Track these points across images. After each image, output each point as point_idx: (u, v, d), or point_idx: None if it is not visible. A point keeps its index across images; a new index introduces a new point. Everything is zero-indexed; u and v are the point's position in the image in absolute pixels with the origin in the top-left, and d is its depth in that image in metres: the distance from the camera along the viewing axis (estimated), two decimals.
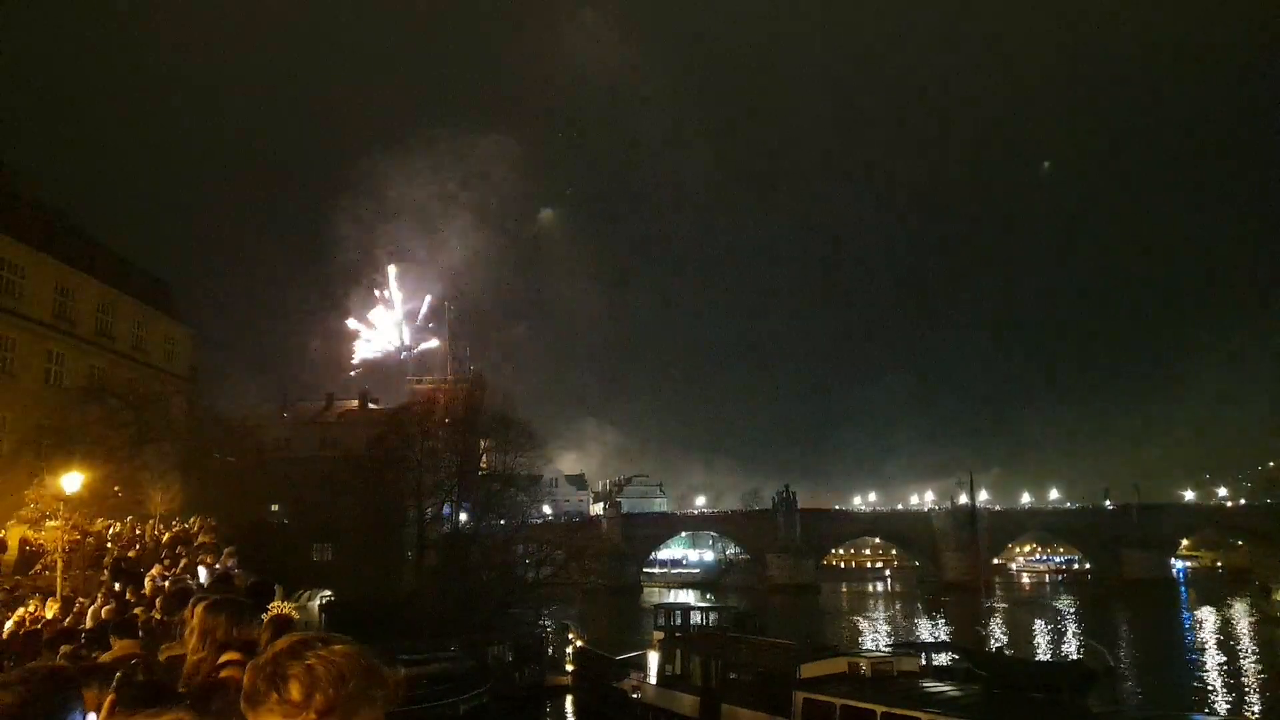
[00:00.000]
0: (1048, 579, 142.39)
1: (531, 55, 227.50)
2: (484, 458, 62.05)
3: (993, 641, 46.01)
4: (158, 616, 9.42)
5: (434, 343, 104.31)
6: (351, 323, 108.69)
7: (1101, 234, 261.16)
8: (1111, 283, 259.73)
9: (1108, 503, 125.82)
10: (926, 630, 67.96)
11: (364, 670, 1.66)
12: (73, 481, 24.26)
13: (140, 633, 7.20)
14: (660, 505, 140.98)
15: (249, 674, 1.73)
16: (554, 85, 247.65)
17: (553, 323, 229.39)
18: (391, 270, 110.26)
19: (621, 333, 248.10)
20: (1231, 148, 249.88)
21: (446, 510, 58.38)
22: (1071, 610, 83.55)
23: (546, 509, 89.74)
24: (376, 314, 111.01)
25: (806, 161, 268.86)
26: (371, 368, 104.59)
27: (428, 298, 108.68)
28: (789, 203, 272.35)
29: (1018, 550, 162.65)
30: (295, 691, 1.62)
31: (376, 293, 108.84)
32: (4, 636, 16.32)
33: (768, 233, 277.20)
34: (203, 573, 19.52)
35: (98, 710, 2.87)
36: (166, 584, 17.37)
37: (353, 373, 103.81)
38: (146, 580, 18.80)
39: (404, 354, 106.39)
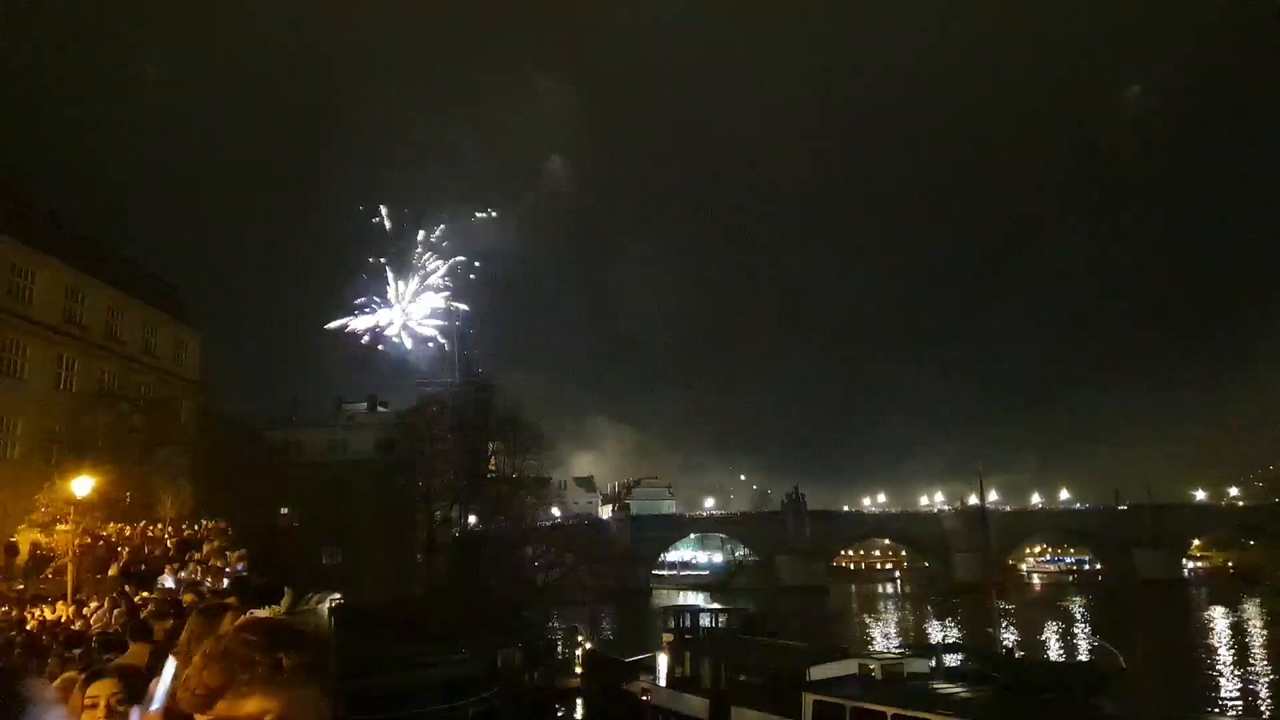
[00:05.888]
0: (1060, 580, 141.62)
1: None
2: (492, 460, 62.08)
3: (1004, 643, 45.64)
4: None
5: (444, 342, 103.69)
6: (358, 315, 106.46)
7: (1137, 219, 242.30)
8: (1117, 282, 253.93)
9: (1119, 503, 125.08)
10: (937, 632, 67.64)
11: (229, 651, 1.90)
12: (83, 485, 24.39)
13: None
14: (669, 507, 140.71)
15: None
16: (588, 42, 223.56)
17: (567, 317, 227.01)
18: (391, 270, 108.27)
19: (635, 329, 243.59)
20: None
21: (456, 513, 58.46)
22: (1083, 611, 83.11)
23: (555, 511, 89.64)
24: (385, 308, 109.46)
25: (849, 117, 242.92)
26: (380, 369, 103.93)
27: (436, 294, 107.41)
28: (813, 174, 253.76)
29: (1029, 551, 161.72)
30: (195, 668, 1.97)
31: (385, 287, 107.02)
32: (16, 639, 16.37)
33: (797, 203, 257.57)
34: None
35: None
36: (177, 587, 17.44)
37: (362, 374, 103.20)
38: (160, 582, 18.89)
39: (413, 351, 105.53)
